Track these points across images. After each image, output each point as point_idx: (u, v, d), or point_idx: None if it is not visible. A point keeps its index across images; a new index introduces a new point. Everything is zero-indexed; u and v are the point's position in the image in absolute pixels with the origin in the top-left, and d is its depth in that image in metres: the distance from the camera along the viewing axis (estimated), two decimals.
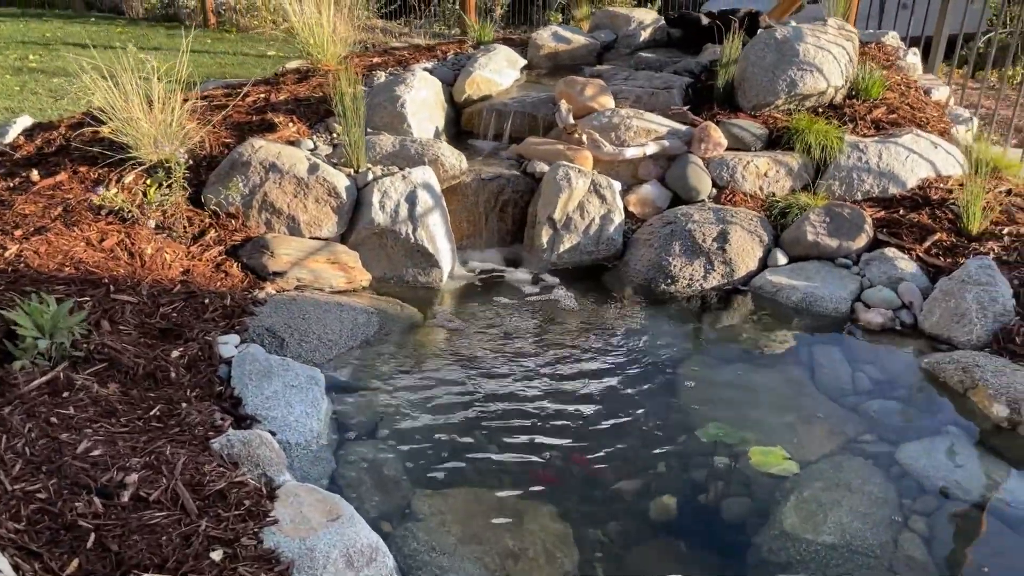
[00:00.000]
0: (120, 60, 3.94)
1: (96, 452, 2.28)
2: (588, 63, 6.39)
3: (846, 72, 5.18)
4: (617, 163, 4.79)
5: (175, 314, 3.25)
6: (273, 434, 2.66)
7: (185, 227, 3.87)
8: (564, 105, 4.95)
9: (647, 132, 4.79)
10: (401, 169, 4.29)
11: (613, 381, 3.38)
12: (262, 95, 5.07)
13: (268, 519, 2.16)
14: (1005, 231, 4.10)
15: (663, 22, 6.78)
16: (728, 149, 4.83)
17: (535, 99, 5.33)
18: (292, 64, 5.96)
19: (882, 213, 4.45)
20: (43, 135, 4.53)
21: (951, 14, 6.37)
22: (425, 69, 5.63)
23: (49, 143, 4.43)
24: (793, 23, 5.47)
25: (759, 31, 5.45)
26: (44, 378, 2.58)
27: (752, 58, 5.19)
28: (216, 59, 8.61)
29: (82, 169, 4.08)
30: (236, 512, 2.16)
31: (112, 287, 3.24)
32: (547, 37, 6.41)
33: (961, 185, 4.43)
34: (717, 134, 4.79)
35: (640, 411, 3.17)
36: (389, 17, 11.66)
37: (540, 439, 3.00)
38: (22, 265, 3.21)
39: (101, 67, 3.88)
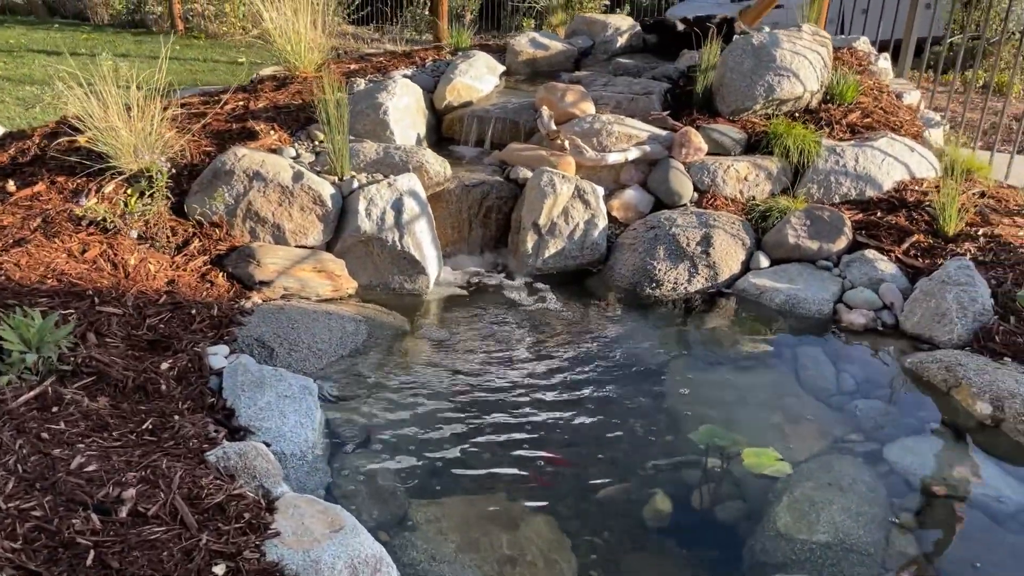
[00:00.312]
0: (91, 67, 3.88)
1: (91, 467, 2.23)
2: (566, 69, 6.42)
3: (821, 77, 5.27)
4: (599, 168, 4.82)
5: (162, 325, 3.20)
6: (268, 445, 2.63)
7: (168, 237, 3.82)
8: (546, 111, 4.97)
9: (628, 137, 4.83)
10: (386, 176, 4.28)
11: (603, 385, 3.39)
12: (241, 103, 5.02)
13: (269, 531, 2.14)
14: (980, 232, 4.20)
15: (639, 28, 6.83)
16: (708, 154, 4.89)
17: (516, 105, 5.34)
18: (268, 71, 5.91)
19: (860, 215, 4.53)
20: (16, 144, 4.43)
21: (918, 19, 6.52)
22: (405, 76, 5.62)
23: (23, 152, 4.34)
24: (767, 29, 5.55)
25: (735, 37, 5.52)
26: (32, 393, 2.52)
27: (730, 63, 5.26)
28: (187, 66, 8.52)
29: (60, 179, 4.00)
30: (236, 525, 2.13)
31: (96, 299, 3.18)
32: (525, 43, 6.43)
33: (936, 187, 4.53)
34: (697, 139, 4.84)
35: (631, 415, 3.19)
36: (359, 23, 11.64)
37: (532, 444, 3.00)
38: (3, 278, 3.15)
39: (77, 75, 3.81)
